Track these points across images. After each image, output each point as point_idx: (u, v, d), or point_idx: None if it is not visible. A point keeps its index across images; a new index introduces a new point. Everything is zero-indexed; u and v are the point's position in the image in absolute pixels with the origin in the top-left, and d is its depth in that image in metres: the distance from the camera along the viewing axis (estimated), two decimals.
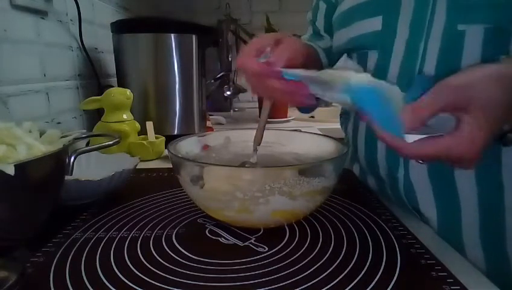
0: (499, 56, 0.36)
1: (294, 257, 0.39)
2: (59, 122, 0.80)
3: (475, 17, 0.39)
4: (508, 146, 0.38)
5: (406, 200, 0.50)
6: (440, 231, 0.47)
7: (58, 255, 0.39)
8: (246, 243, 0.42)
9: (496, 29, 0.38)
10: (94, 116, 0.93)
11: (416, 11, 0.44)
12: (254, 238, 0.43)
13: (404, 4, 0.45)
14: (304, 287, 0.33)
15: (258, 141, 0.51)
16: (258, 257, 0.39)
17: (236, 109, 1.63)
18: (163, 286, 0.34)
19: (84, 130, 0.63)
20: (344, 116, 0.64)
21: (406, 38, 0.45)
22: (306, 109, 0.72)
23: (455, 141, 0.31)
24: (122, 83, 0.93)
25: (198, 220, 0.48)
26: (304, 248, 0.41)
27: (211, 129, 1.09)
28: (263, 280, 0.35)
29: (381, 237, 0.43)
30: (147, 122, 0.82)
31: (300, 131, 0.61)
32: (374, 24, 0.47)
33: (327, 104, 1.36)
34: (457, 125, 0.31)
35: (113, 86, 0.92)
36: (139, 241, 0.42)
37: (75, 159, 0.39)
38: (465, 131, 0.31)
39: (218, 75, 1.52)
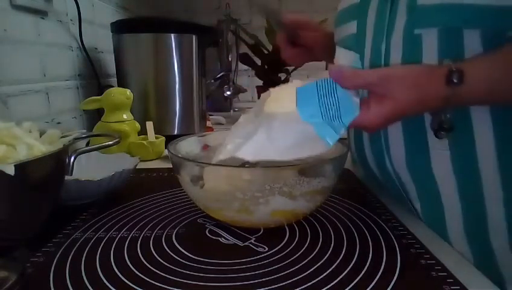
0: (444, 58, 0.39)
1: (294, 257, 0.39)
2: (59, 122, 0.80)
3: (428, 21, 0.42)
4: (440, 138, 0.42)
5: (401, 190, 0.51)
6: (426, 225, 0.48)
7: (58, 255, 0.39)
8: (246, 243, 0.42)
9: (448, 30, 0.41)
10: (94, 116, 0.92)
11: (377, 16, 0.47)
12: (254, 238, 0.43)
13: (370, 10, 0.48)
14: (303, 287, 0.33)
15: None
16: (258, 257, 0.39)
17: (236, 109, 1.62)
18: (163, 286, 0.34)
19: (84, 130, 0.63)
20: None
21: (371, 40, 0.48)
22: None
23: (366, 114, 0.39)
24: (122, 83, 0.93)
25: (198, 220, 0.48)
26: (304, 248, 0.41)
27: (211, 129, 1.09)
28: (263, 280, 0.35)
29: (381, 237, 0.43)
30: (147, 122, 0.82)
31: None
32: (352, 27, 0.51)
33: None
34: (369, 103, 0.39)
35: (113, 86, 0.92)
36: (139, 241, 0.42)
37: (75, 159, 0.39)
38: (374, 109, 0.39)
39: (218, 75, 1.52)
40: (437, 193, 0.47)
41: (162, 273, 0.36)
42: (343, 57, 0.44)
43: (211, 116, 1.26)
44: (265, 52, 1.31)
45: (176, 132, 0.95)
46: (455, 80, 0.36)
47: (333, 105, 0.40)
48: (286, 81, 1.33)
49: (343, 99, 0.40)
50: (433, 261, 0.37)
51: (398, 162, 0.48)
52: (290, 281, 0.34)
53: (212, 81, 1.50)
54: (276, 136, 0.40)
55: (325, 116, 0.39)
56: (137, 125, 0.82)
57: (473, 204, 0.45)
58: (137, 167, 0.60)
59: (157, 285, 0.34)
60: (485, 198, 0.44)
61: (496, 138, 0.42)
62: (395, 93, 0.38)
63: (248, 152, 0.40)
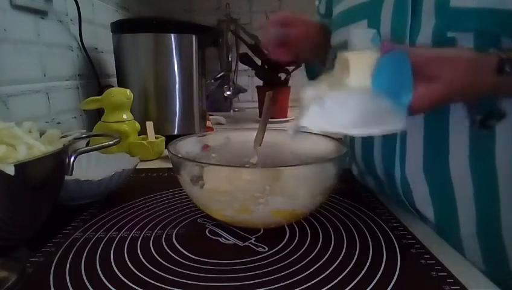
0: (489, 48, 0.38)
1: (294, 257, 0.39)
2: (59, 122, 0.80)
3: (463, 25, 0.40)
4: (488, 129, 0.41)
5: (404, 199, 0.51)
6: (437, 227, 0.48)
7: (58, 255, 0.39)
8: (246, 243, 0.42)
9: (486, 34, 0.40)
10: (94, 116, 0.92)
11: (395, 15, 0.45)
12: (254, 238, 0.43)
13: (384, 9, 0.46)
14: (304, 287, 0.33)
15: (258, 141, 0.51)
16: (258, 257, 0.39)
17: (236, 109, 1.63)
18: (163, 286, 0.34)
19: (84, 130, 0.63)
20: None
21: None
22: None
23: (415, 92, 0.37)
24: (122, 83, 0.93)
25: (198, 220, 0.48)
26: (303, 248, 0.41)
27: (211, 129, 1.09)
28: (263, 280, 0.35)
29: (381, 237, 0.43)
30: (147, 122, 0.82)
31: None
32: (360, 27, 0.49)
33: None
34: (416, 83, 0.37)
35: (113, 86, 0.92)
36: (139, 241, 0.42)
37: (75, 159, 0.39)
38: (421, 90, 0.36)
39: (218, 75, 1.52)
40: (452, 194, 0.46)
41: (162, 273, 0.36)
42: (359, 38, 0.43)
43: (211, 116, 1.26)
44: (266, 52, 1.31)
45: (176, 132, 0.95)
46: (508, 69, 0.36)
47: (398, 81, 0.37)
48: (286, 81, 1.32)
49: (407, 76, 0.37)
50: (433, 261, 0.37)
51: (413, 166, 0.48)
52: (290, 281, 0.34)
53: (212, 81, 1.50)
54: (333, 109, 0.38)
55: (388, 92, 0.37)
56: (137, 125, 0.82)
57: (488, 204, 0.45)
58: (137, 167, 0.60)
59: (157, 285, 0.34)
60: (500, 197, 0.44)
61: None
62: (445, 76, 0.36)
63: (307, 121, 0.39)
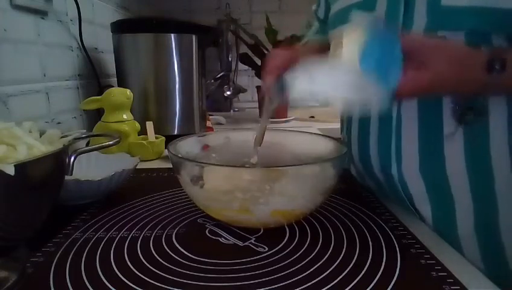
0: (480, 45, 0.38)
1: (294, 257, 0.39)
2: (59, 122, 0.80)
3: (454, 23, 0.41)
4: (466, 125, 0.42)
5: (404, 196, 0.51)
6: (435, 226, 0.48)
7: (58, 255, 0.39)
8: (246, 243, 0.42)
9: (477, 33, 0.40)
10: (94, 116, 0.92)
11: (388, 15, 0.46)
12: (254, 238, 0.43)
13: (377, 9, 0.47)
14: (304, 287, 0.33)
15: (259, 141, 0.51)
16: (258, 257, 0.39)
17: (236, 109, 1.63)
18: (163, 286, 0.34)
19: (84, 130, 0.63)
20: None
21: None
22: None
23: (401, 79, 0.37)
24: (122, 83, 0.93)
25: (198, 220, 0.48)
26: (303, 248, 0.41)
27: (211, 129, 1.09)
28: (263, 280, 0.35)
29: (381, 237, 0.43)
30: (147, 122, 0.82)
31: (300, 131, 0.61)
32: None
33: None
34: (405, 68, 0.37)
35: (113, 86, 0.92)
36: (139, 241, 0.42)
37: (75, 159, 0.39)
38: (410, 75, 0.37)
39: (218, 75, 1.52)
40: (449, 192, 0.47)
41: (162, 273, 0.36)
42: (359, 18, 0.43)
43: (211, 116, 1.26)
44: (265, 52, 1.31)
45: (176, 132, 0.94)
46: (497, 67, 0.36)
47: (387, 61, 0.37)
48: None
49: (397, 58, 0.37)
50: (433, 261, 0.37)
51: (409, 163, 0.48)
52: (290, 281, 0.34)
53: (212, 81, 1.50)
54: (317, 80, 0.39)
55: (378, 70, 0.36)
56: (137, 125, 0.82)
57: (485, 202, 0.45)
58: (137, 167, 0.60)
59: (157, 285, 0.34)
60: (497, 195, 0.44)
61: (510, 133, 0.42)
62: (436, 64, 0.36)
63: (292, 89, 0.40)
